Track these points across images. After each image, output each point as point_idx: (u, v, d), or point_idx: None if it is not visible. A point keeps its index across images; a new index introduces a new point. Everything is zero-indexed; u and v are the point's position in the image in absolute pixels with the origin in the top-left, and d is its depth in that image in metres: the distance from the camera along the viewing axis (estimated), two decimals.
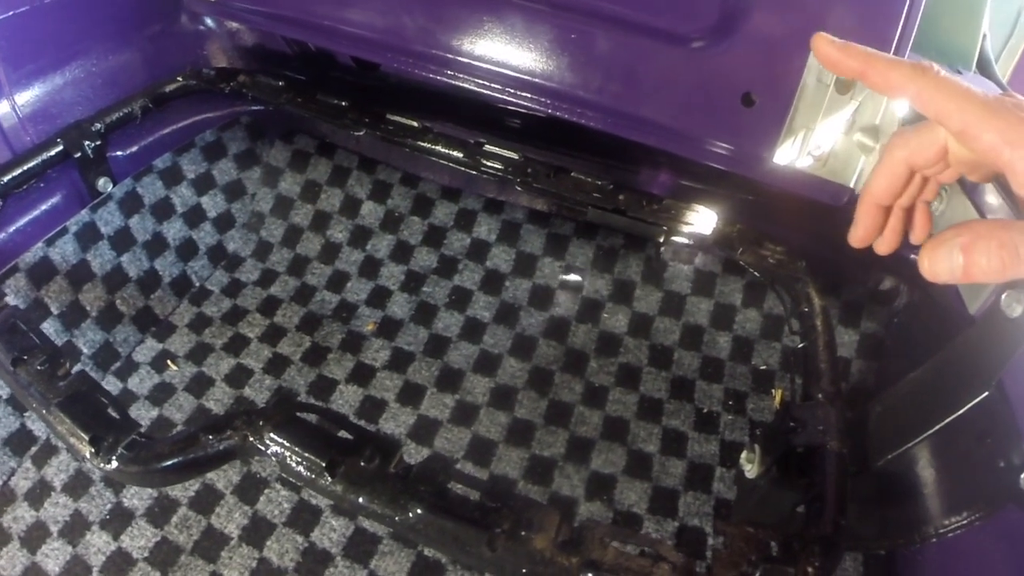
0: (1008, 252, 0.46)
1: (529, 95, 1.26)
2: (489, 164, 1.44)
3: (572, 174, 1.39)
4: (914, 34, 1.01)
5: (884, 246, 0.66)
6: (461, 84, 1.32)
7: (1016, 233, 0.46)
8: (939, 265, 0.49)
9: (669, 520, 1.33)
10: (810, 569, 0.84)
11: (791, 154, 1.10)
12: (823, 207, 1.14)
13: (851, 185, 1.09)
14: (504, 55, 1.25)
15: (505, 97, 1.28)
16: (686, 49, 1.13)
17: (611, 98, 1.20)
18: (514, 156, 1.43)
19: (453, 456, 1.45)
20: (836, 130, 1.06)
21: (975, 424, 0.93)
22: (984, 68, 1.48)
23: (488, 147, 1.45)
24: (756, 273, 1.28)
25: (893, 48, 1.02)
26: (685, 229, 1.33)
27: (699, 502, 1.35)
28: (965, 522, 0.95)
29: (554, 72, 1.22)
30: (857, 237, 0.65)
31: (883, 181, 0.60)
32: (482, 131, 1.53)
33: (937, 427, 0.98)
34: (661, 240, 1.39)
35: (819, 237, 1.34)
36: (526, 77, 1.24)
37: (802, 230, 1.35)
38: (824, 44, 0.53)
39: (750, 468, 1.15)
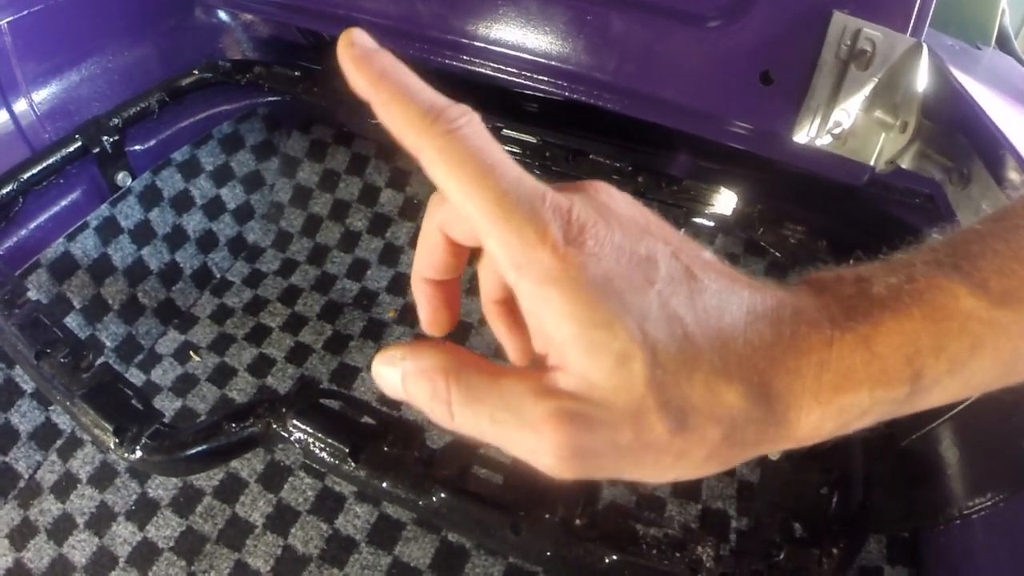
0: (439, 405, 0.35)
1: (546, 78, 1.25)
2: (507, 148, 1.43)
3: (591, 157, 1.39)
4: (932, 9, 0.99)
5: (434, 326, 0.46)
6: (477, 69, 1.31)
7: (455, 385, 0.35)
8: (381, 376, 0.37)
9: (692, 503, 1.32)
10: (835, 551, 0.84)
11: (810, 132, 1.09)
12: (843, 186, 1.13)
13: (871, 163, 1.08)
14: (520, 39, 1.24)
15: (522, 81, 1.28)
16: (702, 28, 1.12)
17: (628, 79, 1.19)
18: (532, 140, 1.43)
19: (476, 440, 1.45)
20: (855, 107, 1.05)
21: (1000, 404, 0.92)
22: (1003, 43, 1.46)
23: (506, 131, 1.45)
24: (777, 253, 1.27)
25: (911, 26, 1.00)
26: (705, 210, 1.32)
27: (722, 484, 1.35)
28: (989, 503, 0.94)
29: (570, 54, 1.21)
30: (424, 321, 0.46)
31: (420, 250, 0.43)
32: (499, 116, 1.53)
33: (961, 407, 0.97)
34: (681, 222, 1.38)
35: (840, 216, 1.33)
36: (542, 60, 1.24)
37: (823, 209, 1.34)
38: (342, 46, 0.35)
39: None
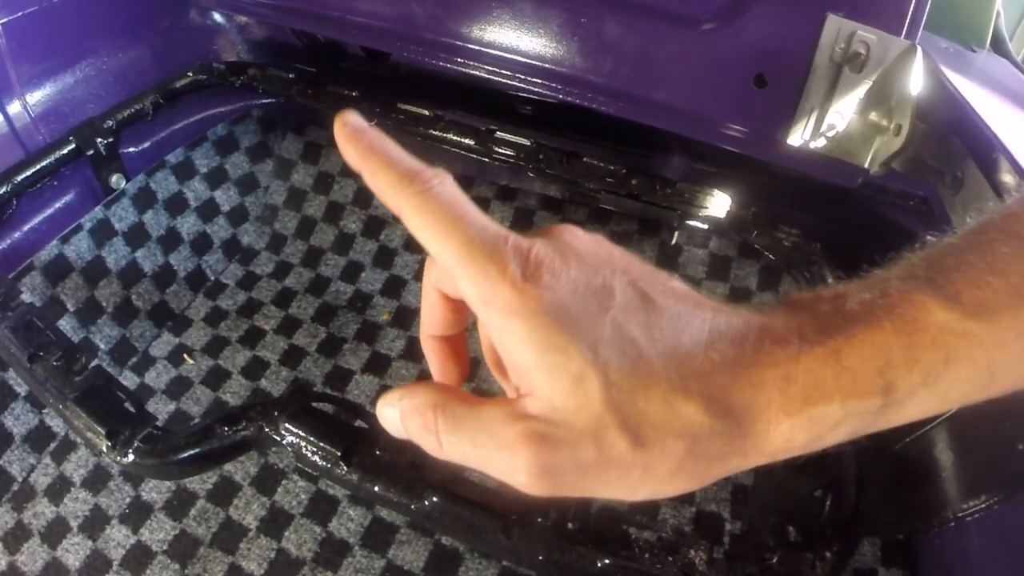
0: (429, 436, 0.39)
1: (540, 81, 1.25)
2: (501, 151, 1.43)
3: (584, 159, 1.39)
4: (927, 11, 0.99)
5: (444, 379, 0.49)
6: (472, 72, 1.31)
7: (442, 416, 0.38)
8: (384, 418, 0.41)
9: (686, 506, 1.32)
10: (828, 554, 0.84)
11: (804, 135, 1.09)
12: (837, 188, 1.13)
13: (865, 166, 1.08)
14: (514, 41, 1.24)
15: (516, 84, 1.28)
16: (697, 31, 1.12)
17: (622, 82, 1.19)
18: (526, 142, 1.43)
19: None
20: (849, 110, 1.05)
21: (993, 406, 0.92)
22: (998, 46, 1.46)
23: (500, 134, 1.45)
24: (771, 256, 1.27)
25: (905, 29, 1.00)
26: (699, 213, 1.32)
27: (716, 487, 1.34)
28: (983, 506, 0.94)
29: (564, 57, 1.21)
30: (435, 375, 0.49)
31: (423, 309, 0.47)
32: (494, 118, 1.52)
33: (955, 409, 0.97)
34: (675, 224, 1.38)
35: (834, 219, 1.33)
36: (537, 63, 1.24)
37: (817, 212, 1.34)
38: (337, 126, 0.39)
39: None
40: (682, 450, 0.35)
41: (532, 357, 0.35)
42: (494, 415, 0.37)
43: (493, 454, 0.36)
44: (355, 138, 0.38)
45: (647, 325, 0.36)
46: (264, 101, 1.76)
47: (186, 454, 0.96)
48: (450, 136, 1.47)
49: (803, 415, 0.36)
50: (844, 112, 1.05)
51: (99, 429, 0.97)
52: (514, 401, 0.37)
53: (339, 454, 0.89)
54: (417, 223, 0.36)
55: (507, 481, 0.37)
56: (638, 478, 0.36)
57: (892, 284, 0.37)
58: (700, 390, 0.35)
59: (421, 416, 0.39)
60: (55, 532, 1.35)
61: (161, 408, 1.53)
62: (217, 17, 1.72)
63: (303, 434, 0.92)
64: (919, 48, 1.00)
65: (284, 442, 0.92)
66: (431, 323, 0.47)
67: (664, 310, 0.37)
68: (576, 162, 1.38)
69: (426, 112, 1.50)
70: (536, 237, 0.38)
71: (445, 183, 0.37)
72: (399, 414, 0.40)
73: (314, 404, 0.97)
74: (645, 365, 0.35)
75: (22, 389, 1.41)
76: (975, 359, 0.35)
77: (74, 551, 1.33)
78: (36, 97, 1.41)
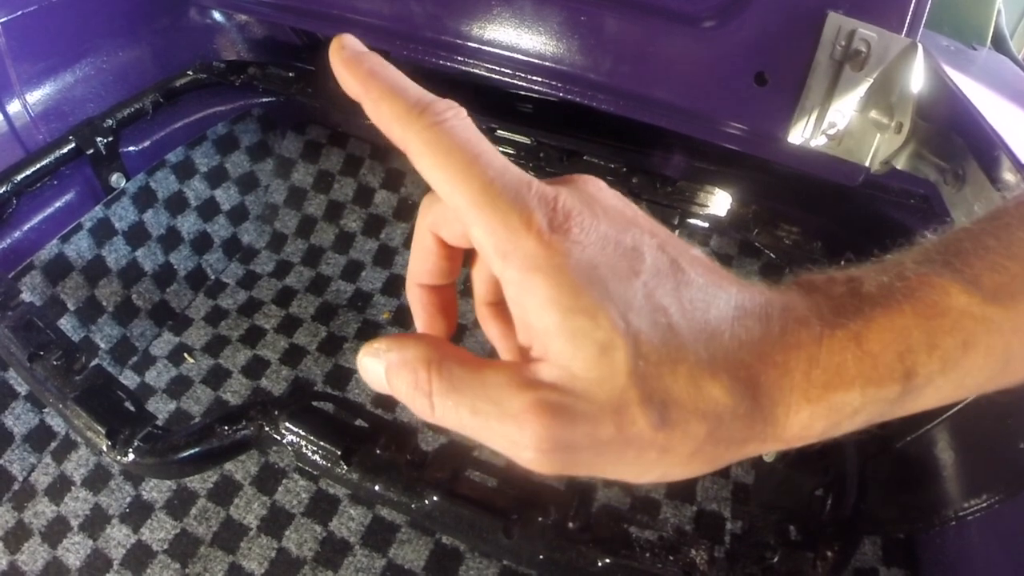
0: (420, 396, 0.34)
1: (540, 79, 1.25)
2: (501, 149, 1.43)
3: (585, 158, 1.39)
4: (927, 9, 0.99)
5: (431, 333, 0.44)
6: (472, 70, 1.31)
7: (436, 375, 0.34)
8: (366, 370, 0.37)
9: (687, 505, 1.32)
10: (829, 553, 0.84)
11: (805, 133, 1.08)
12: (838, 186, 1.12)
13: (866, 164, 1.07)
14: (514, 39, 1.24)
15: (516, 82, 1.28)
16: (697, 29, 1.12)
17: (622, 80, 1.19)
18: (526, 141, 1.43)
19: (469, 443, 1.44)
20: (850, 108, 1.05)
21: (995, 405, 0.92)
22: (999, 44, 1.46)
23: (500, 132, 1.45)
24: (772, 254, 1.27)
25: (906, 27, 1.00)
26: (700, 211, 1.32)
27: (717, 486, 1.34)
28: (985, 505, 0.93)
29: (564, 55, 1.21)
30: (420, 328, 0.44)
31: (413, 255, 0.42)
32: (494, 116, 1.52)
33: (957, 408, 0.97)
34: (676, 222, 1.38)
35: (835, 217, 1.33)
36: (536, 61, 1.23)
37: (818, 210, 1.34)
38: (334, 50, 0.35)
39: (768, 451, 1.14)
40: (703, 433, 0.33)
41: (554, 320, 0.31)
42: (500, 380, 0.33)
43: (496, 424, 0.32)
44: (354, 63, 0.35)
45: (677, 294, 0.33)
46: (264, 100, 1.76)
47: (186, 453, 0.96)
48: None
49: (823, 402, 0.34)
50: (845, 110, 1.05)
51: (99, 428, 0.97)
52: (523, 366, 0.33)
53: (339, 453, 0.88)
54: (427, 161, 0.33)
55: (509, 455, 0.33)
56: (654, 459, 0.33)
57: (908, 267, 0.35)
58: (727, 368, 0.33)
59: (412, 373, 0.34)
60: (55, 531, 1.35)
61: (161, 407, 1.53)
62: (217, 16, 1.72)
63: (303, 433, 0.91)
64: (920, 46, 1.00)
65: (284, 441, 0.92)
66: (421, 270, 0.42)
67: (693, 280, 0.34)
68: (576, 160, 1.38)
69: None
70: (560, 185, 0.34)
71: (459, 116, 0.33)
72: (384, 367, 0.36)
73: (314, 403, 0.97)
74: (675, 338, 0.32)
75: (22, 388, 1.41)
76: (992, 345, 0.34)
77: (74, 550, 1.32)
78: (36, 96, 1.41)
